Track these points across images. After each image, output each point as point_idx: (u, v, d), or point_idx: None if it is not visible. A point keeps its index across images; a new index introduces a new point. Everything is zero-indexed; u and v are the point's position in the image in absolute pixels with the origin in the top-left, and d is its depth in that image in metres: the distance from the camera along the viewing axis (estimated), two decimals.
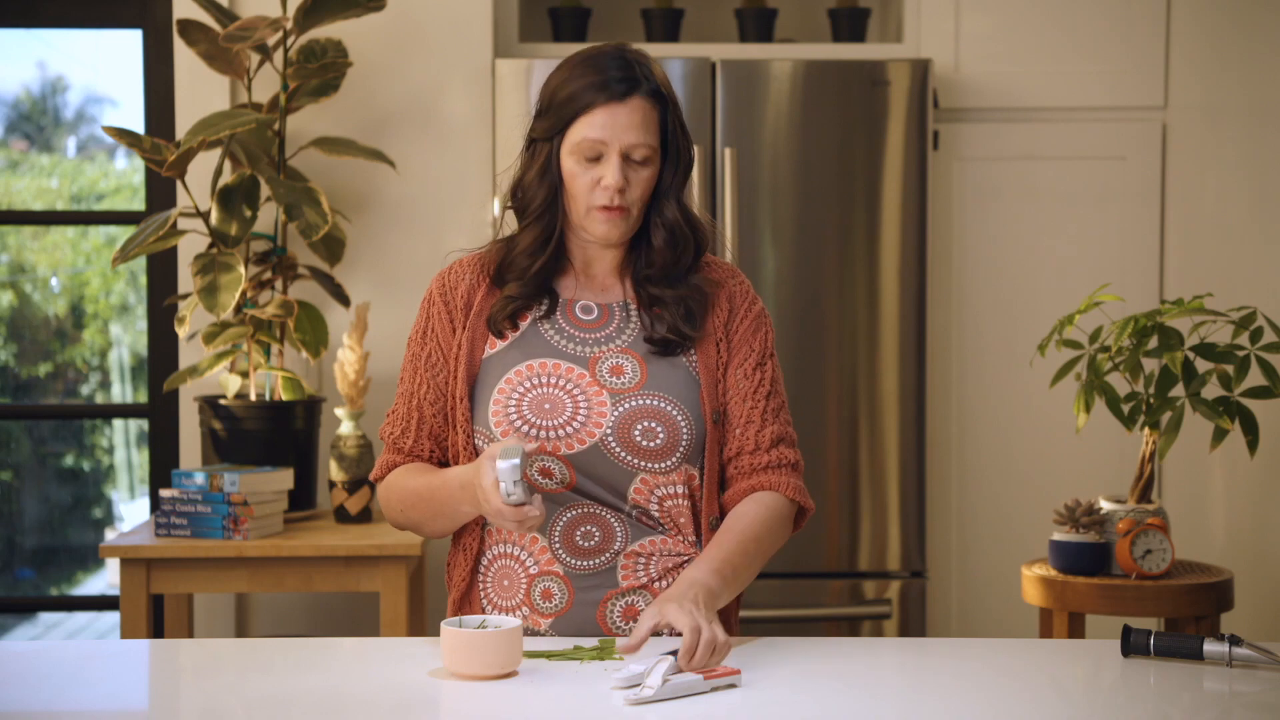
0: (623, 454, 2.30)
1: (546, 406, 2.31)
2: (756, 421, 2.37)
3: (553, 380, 2.32)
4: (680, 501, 2.34)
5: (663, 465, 2.31)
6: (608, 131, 2.29)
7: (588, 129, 2.30)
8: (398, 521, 2.43)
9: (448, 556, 2.43)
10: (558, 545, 2.32)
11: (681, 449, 2.31)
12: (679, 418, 2.31)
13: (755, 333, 2.40)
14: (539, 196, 2.35)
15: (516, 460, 2.12)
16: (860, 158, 3.97)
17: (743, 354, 2.38)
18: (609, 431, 2.29)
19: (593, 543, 2.32)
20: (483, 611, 2.36)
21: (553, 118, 2.33)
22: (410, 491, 2.36)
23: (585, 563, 2.33)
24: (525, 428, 2.29)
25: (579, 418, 2.30)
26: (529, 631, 2.34)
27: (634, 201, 2.32)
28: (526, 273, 2.36)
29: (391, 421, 2.42)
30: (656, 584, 2.34)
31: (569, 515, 2.32)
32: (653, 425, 2.30)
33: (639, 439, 2.29)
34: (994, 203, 4.24)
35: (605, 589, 2.33)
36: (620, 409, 2.30)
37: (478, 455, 2.33)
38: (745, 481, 2.36)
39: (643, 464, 2.30)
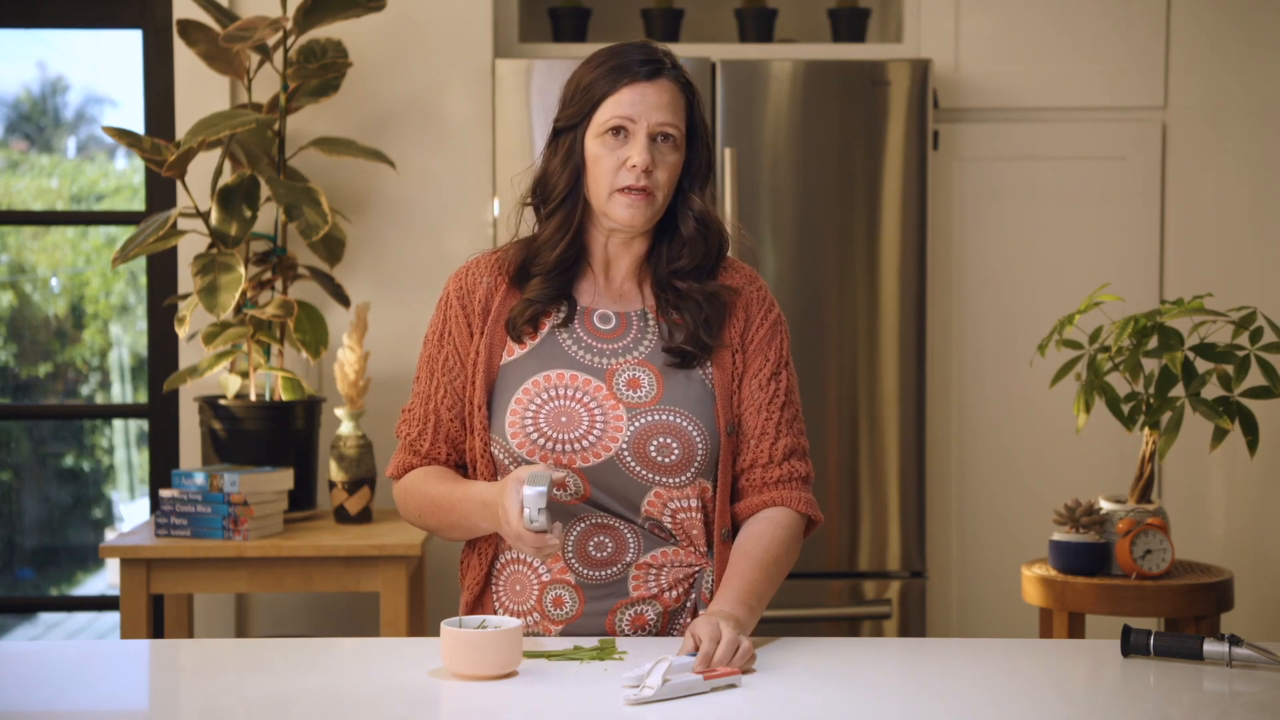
0: (638, 468, 2.29)
1: (563, 419, 2.29)
2: (770, 434, 2.36)
3: (569, 392, 2.31)
4: (693, 514, 2.33)
5: (677, 480, 2.30)
6: (636, 109, 2.28)
7: (615, 107, 2.28)
8: (412, 522, 2.43)
9: (461, 556, 2.44)
10: (571, 555, 2.32)
11: (696, 464, 2.31)
12: (694, 433, 2.30)
13: (771, 341, 2.39)
14: (562, 182, 2.33)
15: (543, 488, 2.11)
16: (860, 158, 3.97)
17: (758, 363, 2.37)
18: (624, 446, 2.28)
19: (605, 553, 2.32)
20: (495, 614, 2.36)
21: (578, 103, 2.32)
22: (428, 498, 2.35)
23: (597, 573, 2.32)
24: (541, 440, 2.29)
25: (595, 432, 2.29)
26: (537, 636, 2.33)
27: (660, 185, 2.30)
28: (549, 263, 2.34)
29: (408, 421, 2.41)
30: (666, 594, 2.34)
31: (582, 526, 2.32)
32: (668, 441, 2.29)
33: (654, 454, 2.28)
34: (994, 203, 4.24)
35: (616, 598, 2.33)
36: (636, 424, 2.29)
37: (495, 463, 2.33)
38: (757, 496, 2.36)
39: (657, 478, 2.29)
